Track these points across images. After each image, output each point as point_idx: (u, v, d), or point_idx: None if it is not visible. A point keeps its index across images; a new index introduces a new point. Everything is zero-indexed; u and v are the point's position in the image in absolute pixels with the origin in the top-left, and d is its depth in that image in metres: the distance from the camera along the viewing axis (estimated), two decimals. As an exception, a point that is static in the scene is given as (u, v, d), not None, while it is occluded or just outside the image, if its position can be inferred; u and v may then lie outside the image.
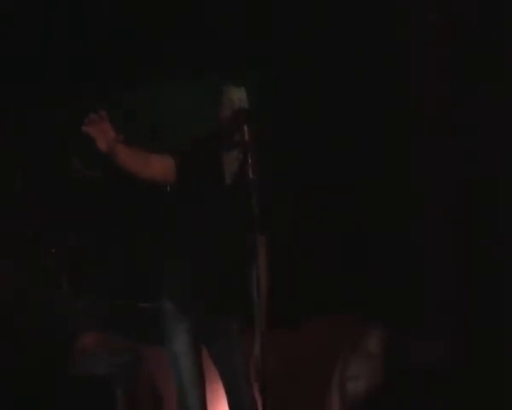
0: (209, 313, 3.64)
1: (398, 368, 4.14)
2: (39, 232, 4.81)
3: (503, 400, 4.09)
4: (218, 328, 3.67)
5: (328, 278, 4.75)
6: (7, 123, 4.86)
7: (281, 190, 4.39)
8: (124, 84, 5.03)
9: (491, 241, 4.43)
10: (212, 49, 4.90)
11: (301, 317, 4.74)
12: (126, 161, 3.36)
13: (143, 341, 4.69)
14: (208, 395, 3.69)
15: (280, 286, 3.95)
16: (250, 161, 3.38)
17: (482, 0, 4.46)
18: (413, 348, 4.26)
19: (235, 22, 4.89)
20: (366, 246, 4.74)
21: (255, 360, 3.56)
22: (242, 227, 3.57)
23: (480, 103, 4.49)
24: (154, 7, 4.89)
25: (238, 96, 3.51)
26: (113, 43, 4.93)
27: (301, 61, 4.93)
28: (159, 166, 3.52)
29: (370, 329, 4.29)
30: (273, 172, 3.66)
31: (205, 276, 3.60)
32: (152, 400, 4.71)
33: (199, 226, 3.58)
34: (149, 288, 4.64)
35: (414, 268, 4.65)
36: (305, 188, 4.85)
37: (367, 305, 4.54)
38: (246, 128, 3.38)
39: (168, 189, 4.49)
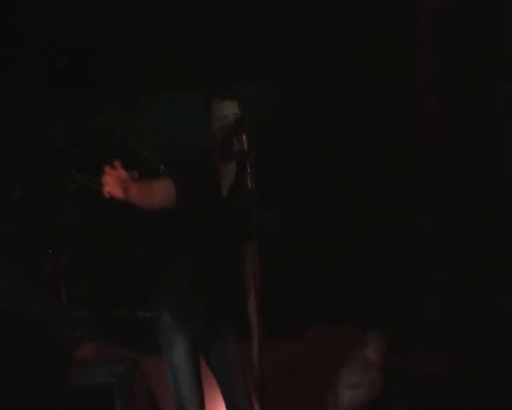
0: (207, 324, 3.65)
1: (396, 378, 4.14)
2: (37, 243, 4.81)
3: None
4: (216, 339, 3.67)
5: (327, 287, 4.74)
6: (5, 132, 4.85)
7: (278, 199, 4.43)
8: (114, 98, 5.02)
9: (490, 251, 4.43)
10: (203, 62, 4.91)
11: (299, 327, 4.73)
12: (135, 197, 3.38)
13: (141, 350, 4.68)
14: (207, 404, 3.69)
15: (279, 296, 3.96)
16: (249, 170, 3.38)
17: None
18: (412, 361, 4.26)
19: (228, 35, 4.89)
20: (365, 256, 4.73)
21: (253, 369, 3.56)
22: (239, 237, 3.59)
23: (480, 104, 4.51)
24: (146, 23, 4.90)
25: (231, 109, 3.53)
26: (110, 56, 4.93)
27: (295, 69, 4.94)
28: (161, 194, 3.53)
29: (369, 339, 4.29)
30: (271, 181, 3.67)
31: (202, 287, 3.61)
32: (150, 409, 4.70)
33: (195, 238, 3.59)
34: (147, 297, 4.65)
35: (412, 279, 4.65)
36: (303, 197, 4.85)
37: (365, 315, 4.53)
38: (244, 137, 3.39)
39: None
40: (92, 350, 4.76)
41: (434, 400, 4.09)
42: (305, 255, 4.82)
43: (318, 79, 4.93)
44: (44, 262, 4.83)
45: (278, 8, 4.81)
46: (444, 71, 4.66)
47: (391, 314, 4.52)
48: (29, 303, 4.63)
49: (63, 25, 4.87)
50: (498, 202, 4.41)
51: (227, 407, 3.69)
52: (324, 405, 4.35)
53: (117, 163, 3.33)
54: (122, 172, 3.32)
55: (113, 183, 3.28)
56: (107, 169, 3.29)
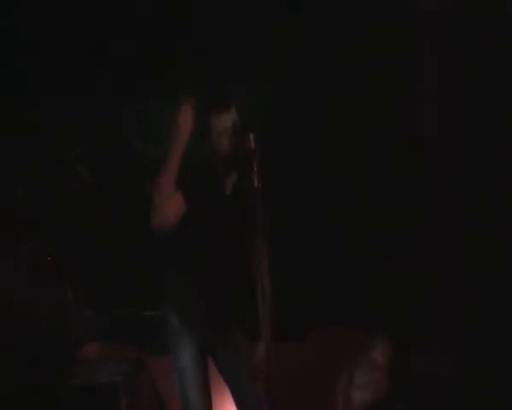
0: (214, 328, 3.64)
1: (402, 379, 4.14)
2: (42, 243, 4.80)
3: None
4: (224, 342, 3.66)
5: (333, 289, 4.73)
6: (8, 131, 4.84)
7: (284, 199, 4.42)
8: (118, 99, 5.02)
9: (493, 253, 4.43)
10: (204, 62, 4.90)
11: (307, 329, 4.72)
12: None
13: (146, 350, 4.68)
14: (215, 403, 3.68)
15: (285, 297, 3.95)
16: (255, 169, 3.38)
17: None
18: (414, 362, 4.27)
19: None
20: (371, 259, 4.73)
21: (260, 371, 3.56)
22: (246, 238, 3.58)
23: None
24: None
25: (230, 120, 3.51)
26: (113, 56, 4.92)
27: (300, 70, 4.94)
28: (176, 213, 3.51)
29: (376, 340, 4.29)
30: (275, 181, 3.66)
31: (209, 289, 3.60)
32: (155, 408, 4.69)
33: (201, 239, 3.58)
34: (152, 297, 4.63)
35: (416, 281, 4.65)
36: (309, 198, 4.84)
37: (371, 317, 4.52)
38: (251, 136, 3.38)
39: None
40: (97, 349, 4.76)
41: (436, 401, 4.10)
42: (311, 257, 4.80)
43: (322, 78, 4.91)
44: (49, 261, 4.81)
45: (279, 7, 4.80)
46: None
47: (396, 316, 4.51)
48: (34, 303, 4.63)
49: (63, 24, 4.85)
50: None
51: (237, 406, 3.68)
52: (331, 407, 4.35)
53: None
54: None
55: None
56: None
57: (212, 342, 3.66)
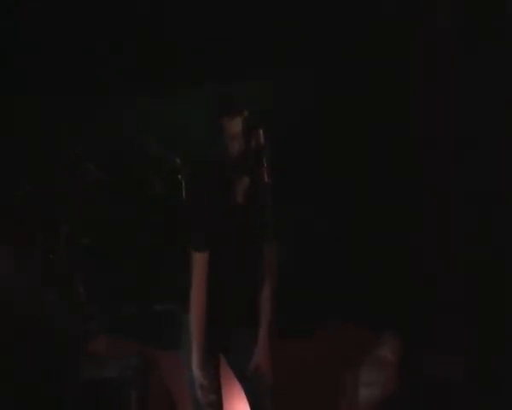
0: (225, 323, 3.64)
1: (411, 378, 4.13)
2: (51, 235, 4.81)
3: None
4: (233, 337, 3.67)
5: (342, 285, 4.73)
6: (17, 125, 4.86)
7: (293, 195, 4.42)
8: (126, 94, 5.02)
9: (504, 254, 4.42)
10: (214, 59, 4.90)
11: (314, 325, 4.72)
12: None
13: (156, 344, 4.68)
14: (226, 399, 3.69)
15: (293, 294, 3.96)
16: (265, 164, 3.38)
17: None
18: (426, 361, 4.26)
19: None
20: (380, 255, 4.72)
21: (267, 367, 3.57)
22: (255, 236, 3.59)
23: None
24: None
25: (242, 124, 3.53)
26: (117, 55, 4.92)
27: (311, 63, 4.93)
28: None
29: (385, 338, 4.28)
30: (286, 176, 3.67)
31: (220, 288, 3.61)
32: (165, 403, 4.70)
33: (214, 243, 3.59)
34: (162, 291, 4.66)
35: (428, 279, 4.64)
36: (318, 196, 4.84)
37: (380, 314, 4.52)
38: (260, 132, 3.39)
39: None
40: (106, 344, 4.76)
41: (446, 401, 4.09)
42: (318, 254, 4.80)
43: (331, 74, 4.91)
44: (57, 255, 4.83)
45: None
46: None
47: (406, 315, 4.50)
48: (43, 297, 4.64)
49: (63, 24, 4.86)
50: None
51: (250, 407, 3.69)
52: (339, 403, 4.34)
53: None
54: None
55: None
56: None
57: (223, 340, 3.67)
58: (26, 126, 4.87)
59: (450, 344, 4.42)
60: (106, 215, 4.94)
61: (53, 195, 4.85)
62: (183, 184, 4.84)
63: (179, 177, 4.89)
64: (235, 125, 3.50)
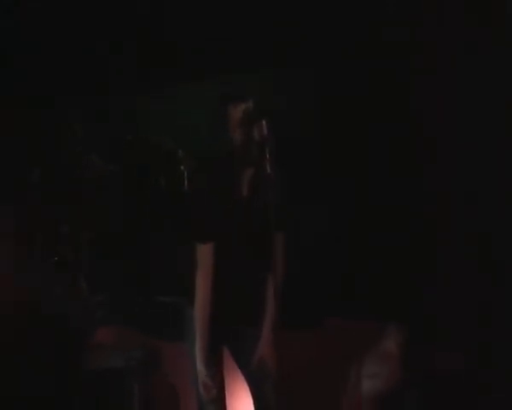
0: (229, 315, 3.64)
1: (414, 370, 4.12)
2: (55, 227, 4.83)
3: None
4: (242, 334, 3.67)
5: (346, 278, 4.72)
6: (23, 119, 4.87)
7: (298, 186, 4.41)
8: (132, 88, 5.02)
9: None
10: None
11: (317, 317, 4.72)
12: None
13: (160, 335, 4.70)
14: (229, 391, 3.70)
15: (296, 285, 3.95)
16: (268, 156, 3.38)
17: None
18: (428, 357, 4.25)
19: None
20: (382, 248, 4.71)
21: (271, 359, 3.56)
22: (259, 229, 3.58)
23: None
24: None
25: (247, 112, 3.52)
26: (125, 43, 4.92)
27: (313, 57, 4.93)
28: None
29: (389, 330, 4.27)
30: (289, 168, 3.66)
31: (224, 280, 3.61)
32: (168, 395, 4.72)
33: (220, 237, 3.59)
34: (168, 283, 4.66)
35: (431, 272, 4.63)
36: (323, 186, 4.83)
37: (384, 306, 4.51)
38: (263, 123, 3.38)
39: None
40: (111, 334, 4.78)
41: (450, 396, 4.08)
42: (325, 245, 4.79)
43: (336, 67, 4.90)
44: (63, 245, 4.85)
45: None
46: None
47: (411, 307, 4.49)
48: (47, 287, 4.67)
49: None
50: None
51: (254, 400, 3.69)
52: (341, 394, 4.34)
53: None
54: None
55: None
56: None
57: (227, 333, 3.67)
58: (26, 123, 4.88)
59: (451, 337, 4.41)
60: (109, 207, 4.95)
61: (56, 187, 4.86)
62: (186, 175, 4.85)
63: (182, 168, 4.90)
64: (240, 113, 3.51)
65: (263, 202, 3.48)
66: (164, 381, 4.71)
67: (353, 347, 4.39)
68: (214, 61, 4.85)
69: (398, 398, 4.04)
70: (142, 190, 4.99)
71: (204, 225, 3.59)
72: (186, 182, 4.86)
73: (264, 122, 3.39)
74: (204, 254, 3.57)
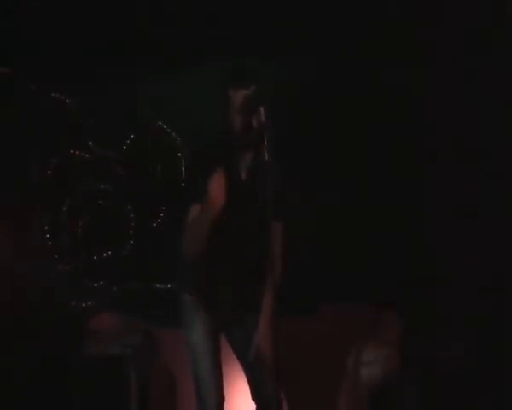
0: (226, 302, 3.64)
1: (411, 358, 4.14)
2: (54, 213, 4.83)
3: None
4: (239, 320, 3.67)
5: (344, 265, 4.73)
6: (21, 110, 4.87)
7: (295, 174, 4.40)
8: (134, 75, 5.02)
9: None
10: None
11: (315, 304, 4.72)
12: None
13: (158, 322, 4.70)
14: (227, 378, 3.69)
15: (294, 273, 3.95)
16: (266, 143, 3.36)
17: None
18: (425, 341, 4.27)
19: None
20: (382, 236, 4.72)
21: (268, 348, 3.56)
22: (258, 215, 3.57)
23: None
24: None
25: (248, 97, 3.52)
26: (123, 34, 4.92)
27: (312, 48, 4.93)
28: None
29: (385, 317, 4.28)
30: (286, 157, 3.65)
31: (221, 266, 3.61)
32: (166, 380, 4.72)
33: (218, 223, 3.57)
34: (164, 270, 4.66)
35: (429, 261, 4.65)
36: (321, 173, 4.83)
37: (382, 294, 4.52)
38: (262, 110, 3.37)
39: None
40: (108, 321, 4.78)
41: (448, 383, 4.10)
42: (323, 232, 4.80)
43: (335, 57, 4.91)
44: (60, 233, 4.85)
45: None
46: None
47: (409, 295, 4.50)
48: (45, 274, 4.67)
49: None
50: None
51: (251, 389, 3.68)
52: (339, 382, 4.35)
53: None
54: None
55: None
56: None
57: (226, 320, 3.67)
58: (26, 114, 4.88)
59: (451, 326, 4.42)
60: (107, 194, 4.95)
61: (55, 173, 4.86)
62: (183, 162, 4.85)
63: (179, 155, 4.90)
64: (241, 96, 3.48)
65: (261, 188, 3.48)
66: (161, 368, 4.72)
67: (351, 335, 4.41)
68: (215, 48, 4.86)
69: (396, 386, 4.06)
70: (141, 177, 4.99)
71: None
72: (183, 169, 4.87)
73: (262, 109, 3.38)
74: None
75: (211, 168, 3.51)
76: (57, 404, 4.37)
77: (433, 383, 4.18)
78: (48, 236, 4.78)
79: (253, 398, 3.69)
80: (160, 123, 4.97)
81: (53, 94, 4.90)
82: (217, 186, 3.41)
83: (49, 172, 4.83)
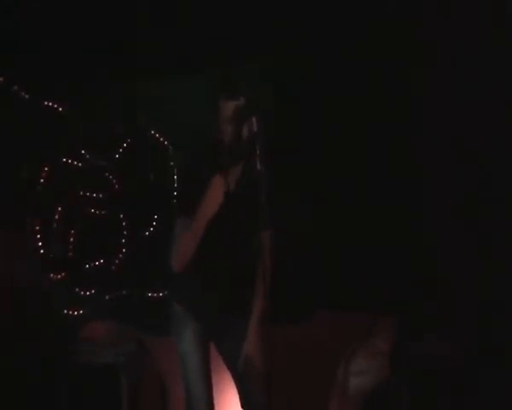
0: (217, 312, 3.64)
1: (403, 366, 4.14)
2: (46, 222, 4.83)
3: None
4: (225, 326, 3.67)
5: (335, 273, 4.72)
6: (17, 113, 4.87)
7: (286, 184, 4.40)
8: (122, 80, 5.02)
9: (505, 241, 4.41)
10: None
11: (306, 314, 4.72)
12: None
13: (150, 331, 4.71)
14: (217, 387, 3.70)
15: (287, 282, 3.95)
16: (258, 152, 3.36)
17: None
18: (416, 349, 4.27)
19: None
20: (376, 243, 4.71)
21: (257, 357, 3.57)
22: (248, 225, 3.57)
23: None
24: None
25: (237, 108, 3.51)
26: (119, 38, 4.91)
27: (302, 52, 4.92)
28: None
29: (377, 325, 4.28)
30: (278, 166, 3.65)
31: (210, 276, 3.61)
32: (157, 389, 4.73)
33: (206, 230, 3.58)
34: (157, 279, 4.67)
35: (422, 266, 4.64)
36: (312, 182, 4.82)
37: (374, 302, 4.51)
38: (254, 120, 3.37)
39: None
40: (100, 329, 4.79)
41: (440, 387, 4.09)
42: (315, 240, 4.79)
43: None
44: (52, 241, 4.85)
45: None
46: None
47: (401, 302, 4.49)
48: (36, 282, 4.68)
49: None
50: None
51: (241, 397, 3.69)
52: (330, 391, 4.36)
53: None
54: None
55: None
56: None
57: (216, 329, 3.67)
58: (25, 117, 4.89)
59: (439, 334, 4.42)
60: (101, 202, 4.95)
61: (47, 181, 4.87)
62: (175, 171, 4.85)
63: (171, 164, 4.90)
64: (231, 108, 3.49)
65: (251, 198, 3.48)
66: (153, 376, 4.73)
67: (341, 344, 4.40)
68: (205, 57, 4.85)
69: (386, 395, 4.06)
70: (132, 186, 4.99)
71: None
72: (176, 178, 4.87)
73: (254, 119, 3.37)
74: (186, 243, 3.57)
75: (200, 179, 3.53)
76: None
77: (421, 392, 4.19)
78: (40, 244, 4.78)
79: (243, 406, 3.70)
80: (152, 132, 4.97)
81: (45, 102, 4.89)
82: (208, 201, 3.43)
83: (41, 180, 4.83)
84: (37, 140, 4.84)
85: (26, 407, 4.30)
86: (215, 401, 3.67)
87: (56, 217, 4.83)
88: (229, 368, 3.71)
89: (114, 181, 4.94)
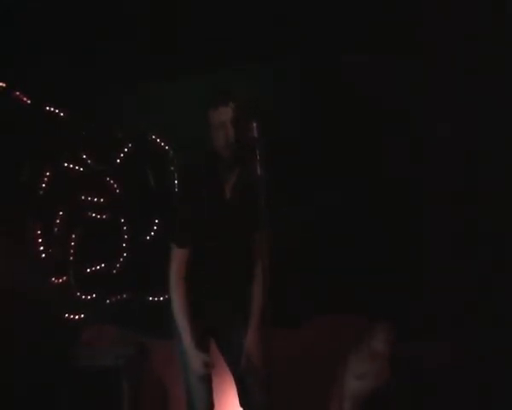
0: (216, 312, 3.66)
1: (403, 368, 4.15)
2: (47, 226, 4.85)
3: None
4: (226, 329, 3.69)
5: (333, 276, 4.73)
6: (18, 118, 4.88)
7: (284, 187, 4.41)
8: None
9: (500, 244, 4.42)
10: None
11: (305, 316, 4.74)
12: None
13: (150, 334, 4.72)
14: (217, 389, 3.72)
15: (285, 285, 3.96)
16: (258, 157, 3.37)
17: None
18: (414, 351, 4.28)
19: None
20: (372, 245, 4.72)
21: (257, 357, 3.58)
22: (247, 227, 3.59)
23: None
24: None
25: (227, 114, 3.51)
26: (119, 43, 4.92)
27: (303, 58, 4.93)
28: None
29: (376, 328, 4.29)
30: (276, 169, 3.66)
31: (211, 277, 3.63)
32: (157, 392, 4.75)
33: (204, 233, 3.59)
34: (157, 282, 4.67)
35: (418, 270, 4.65)
36: (308, 186, 4.83)
37: (373, 305, 4.53)
38: (254, 125, 3.38)
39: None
40: (101, 333, 4.81)
41: (440, 390, 4.11)
42: (313, 243, 4.80)
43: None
44: (53, 245, 4.86)
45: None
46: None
47: (398, 305, 4.51)
48: (38, 286, 4.69)
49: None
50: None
51: (240, 397, 3.71)
52: (330, 394, 4.37)
53: None
54: None
55: None
56: None
57: (216, 330, 3.69)
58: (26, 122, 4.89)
59: (439, 335, 4.44)
60: (101, 206, 4.96)
61: (48, 185, 4.88)
62: (176, 176, 4.87)
63: (172, 168, 4.91)
64: (220, 115, 3.51)
65: (249, 202, 3.50)
66: (153, 379, 4.74)
67: (340, 346, 4.41)
68: (204, 62, 4.85)
69: (386, 397, 4.07)
70: (133, 190, 5.00)
71: (182, 229, 3.61)
72: (176, 183, 4.88)
73: (253, 123, 3.38)
74: (178, 258, 3.60)
75: (196, 187, 3.55)
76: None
77: (421, 393, 4.21)
78: (41, 248, 4.80)
79: (242, 406, 3.73)
80: (153, 136, 4.97)
81: (46, 107, 4.90)
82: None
83: (42, 184, 4.84)
84: (39, 145, 4.86)
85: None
86: (215, 403, 3.70)
87: (57, 221, 4.85)
88: (229, 368, 3.74)
89: (115, 185, 4.94)
